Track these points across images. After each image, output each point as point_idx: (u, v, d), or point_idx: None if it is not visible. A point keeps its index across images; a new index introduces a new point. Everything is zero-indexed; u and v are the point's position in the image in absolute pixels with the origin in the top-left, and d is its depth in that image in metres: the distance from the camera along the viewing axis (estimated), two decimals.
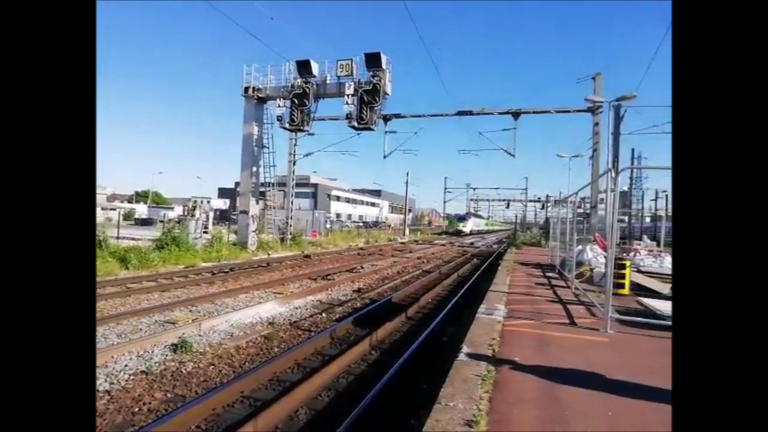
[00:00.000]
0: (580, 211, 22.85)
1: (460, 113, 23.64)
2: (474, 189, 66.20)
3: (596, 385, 3.89)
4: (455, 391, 3.64)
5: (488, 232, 68.38)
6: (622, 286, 8.62)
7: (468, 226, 55.04)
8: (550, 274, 12.68)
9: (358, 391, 4.73)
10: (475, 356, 4.58)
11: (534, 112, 23.15)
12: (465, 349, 4.82)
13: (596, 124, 21.69)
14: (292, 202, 26.52)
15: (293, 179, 27.16)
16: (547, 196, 58.12)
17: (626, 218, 33.80)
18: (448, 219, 61.10)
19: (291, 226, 25.58)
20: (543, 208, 60.75)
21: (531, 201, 65.05)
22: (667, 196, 42.40)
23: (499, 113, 23.27)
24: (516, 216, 65.61)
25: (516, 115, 22.88)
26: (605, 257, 8.73)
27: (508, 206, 69.28)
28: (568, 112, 22.69)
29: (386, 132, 24.49)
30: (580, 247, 12.20)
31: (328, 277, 13.65)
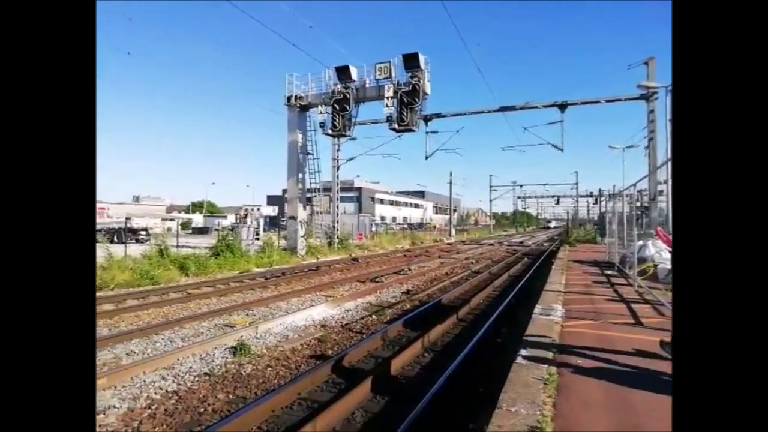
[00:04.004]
0: (638, 204, 21.53)
1: (503, 109, 23.03)
2: (521, 186, 64.64)
3: (671, 389, 3.59)
4: (516, 396, 3.49)
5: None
6: None
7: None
8: (608, 272, 12.02)
9: (413, 394, 4.67)
10: (534, 359, 4.39)
11: (582, 103, 22.08)
12: (523, 351, 4.63)
13: (651, 111, 20.39)
14: (337, 207, 26.94)
15: (338, 184, 27.61)
16: (600, 190, 55.39)
17: None
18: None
19: (337, 230, 26.00)
20: (596, 203, 57.99)
21: (582, 196, 62.35)
22: None
23: (544, 106, 22.42)
24: (567, 212, 63.08)
25: (562, 107, 21.95)
26: (671, 252, 8.11)
27: (558, 202, 66.82)
28: (620, 100, 21.50)
29: (427, 132, 24.35)
30: (641, 242, 11.47)
31: (377, 280, 13.71)
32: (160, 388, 4.93)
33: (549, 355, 4.52)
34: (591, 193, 62.71)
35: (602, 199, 49.80)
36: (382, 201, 78.99)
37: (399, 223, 70.05)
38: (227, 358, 5.99)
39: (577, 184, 58.77)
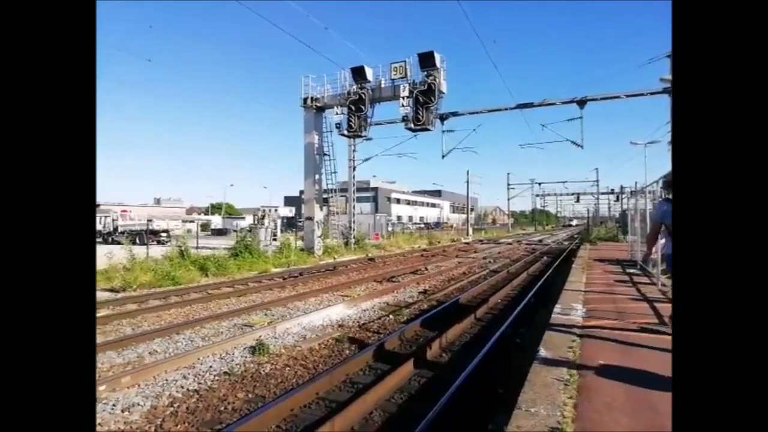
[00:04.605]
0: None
1: (521, 106, 22.73)
2: (539, 184, 63.82)
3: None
4: (536, 396, 3.44)
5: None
6: None
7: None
8: (631, 271, 11.75)
9: (431, 394, 4.65)
10: (553, 360, 4.31)
11: (602, 99, 21.67)
12: (542, 351, 4.56)
13: None
14: (354, 207, 27.03)
15: (354, 184, 27.70)
16: (622, 187, 54.14)
17: None
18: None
19: (354, 230, 26.10)
20: (617, 200, 56.78)
21: (603, 193, 61.12)
22: None
23: (563, 103, 22.07)
24: (588, 210, 61.93)
25: (581, 103, 21.57)
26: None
27: (578, 200, 65.66)
28: (642, 95, 20.96)
29: (443, 131, 24.24)
30: (663, 240, 11.16)
31: (393, 279, 13.70)
32: (182, 387, 5.03)
33: (569, 355, 4.44)
34: (612, 190, 61.46)
35: (624, 196, 48.72)
36: (398, 201, 78.92)
37: (415, 223, 69.92)
38: (246, 357, 6.06)
39: (597, 181, 57.66)
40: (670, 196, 5.04)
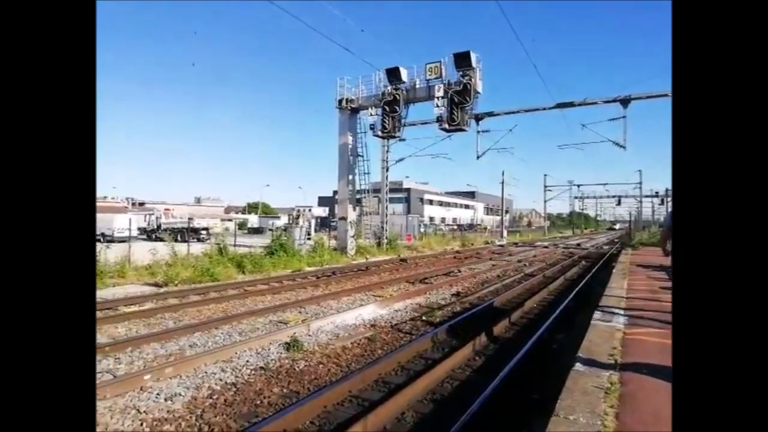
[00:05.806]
0: None
1: (560, 105, 22.05)
2: (578, 186, 61.82)
3: None
4: (575, 404, 3.33)
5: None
6: None
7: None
8: None
9: (465, 397, 4.59)
10: (594, 366, 4.15)
11: (647, 97, 20.71)
12: (582, 358, 4.40)
13: None
14: (386, 208, 27.09)
15: (387, 185, 27.76)
16: (667, 189, 51.56)
17: None
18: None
19: (386, 230, 26.14)
20: (662, 203, 54.13)
21: (647, 196, 58.29)
22: None
23: (605, 102, 21.25)
24: (630, 214, 59.34)
25: (625, 102, 20.69)
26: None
27: (619, 203, 62.99)
28: None
29: (478, 132, 23.85)
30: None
31: (426, 281, 13.62)
32: (220, 380, 5.20)
33: (610, 362, 4.26)
34: (656, 192, 58.64)
35: (669, 199, 46.39)
36: (431, 202, 78.39)
37: (448, 224, 69.22)
38: (281, 353, 6.20)
39: (641, 183, 55.05)
40: None
